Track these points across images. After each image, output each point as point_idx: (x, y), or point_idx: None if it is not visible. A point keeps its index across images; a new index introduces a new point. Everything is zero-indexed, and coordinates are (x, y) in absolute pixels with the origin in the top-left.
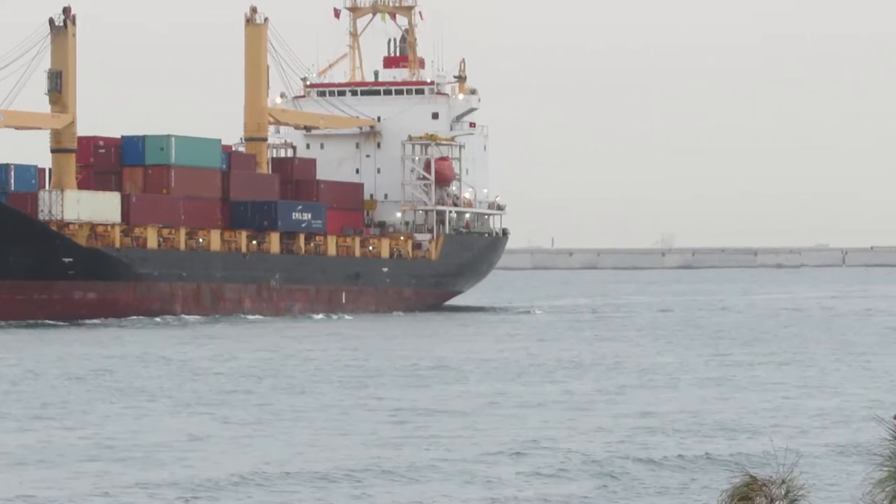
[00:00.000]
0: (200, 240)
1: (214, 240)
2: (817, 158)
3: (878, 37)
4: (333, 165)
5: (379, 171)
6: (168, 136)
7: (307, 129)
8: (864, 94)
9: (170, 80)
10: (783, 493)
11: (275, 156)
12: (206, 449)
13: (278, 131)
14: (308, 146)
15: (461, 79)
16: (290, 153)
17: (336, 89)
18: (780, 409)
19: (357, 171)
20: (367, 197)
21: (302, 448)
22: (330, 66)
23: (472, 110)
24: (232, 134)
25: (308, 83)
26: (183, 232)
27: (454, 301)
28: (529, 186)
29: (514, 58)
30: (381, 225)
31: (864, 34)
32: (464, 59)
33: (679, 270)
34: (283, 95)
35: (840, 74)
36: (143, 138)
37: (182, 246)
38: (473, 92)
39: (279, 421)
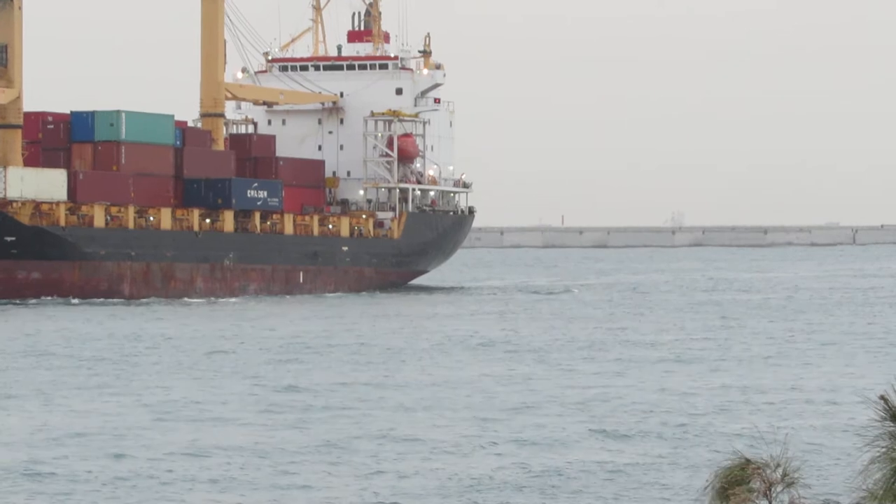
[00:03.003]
0: (151, 218)
1: (165, 218)
2: (827, 134)
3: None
4: (295, 142)
5: (342, 147)
6: (118, 112)
7: (268, 104)
8: (875, 66)
9: (123, 54)
10: (780, 475)
11: (234, 132)
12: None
13: (239, 107)
14: (269, 122)
15: (426, 53)
16: (251, 129)
17: (298, 64)
18: (778, 388)
19: (319, 148)
20: (329, 174)
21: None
22: (293, 40)
23: (437, 86)
24: (191, 110)
25: (270, 58)
26: (132, 210)
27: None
28: (531, 164)
29: (485, 30)
30: (344, 203)
31: (879, 2)
32: (429, 34)
33: (689, 249)
34: (244, 70)
35: (852, 44)
36: (92, 114)
37: (131, 224)
38: (438, 67)
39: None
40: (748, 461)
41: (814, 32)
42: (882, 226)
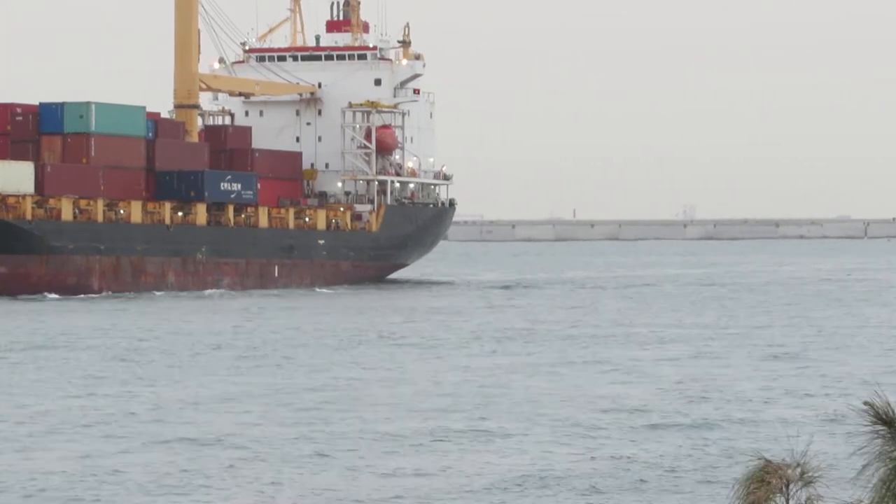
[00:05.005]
0: (121, 211)
1: (136, 211)
2: (839, 127)
3: None
4: (273, 133)
5: (320, 139)
6: (88, 104)
7: (245, 95)
8: (887, 60)
9: (95, 44)
10: (798, 475)
11: (211, 123)
12: None
13: (216, 98)
14: (247, 114)
15: (405, 43)
16: (227, 121)
17: (276, 55)
18: (794, 387)
19: (297, 140)
20: (307, 166)
21: None
22: (270, 30)
23: (416, 76)
24: (166, 101)
25: (247, 48)
26: (101, 203)
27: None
28: (540, 157)
29: (467, 19)
30: (322, 195)
31: None
32: (408, 23)
33: (700, 242)
34: (221, 61)
35: (864, 38)
36: (61, 105)
37: (100, 218)
38: (418, 57)
39: None
40: (769, 462)
41: (824, 26)
42: (894, 219)
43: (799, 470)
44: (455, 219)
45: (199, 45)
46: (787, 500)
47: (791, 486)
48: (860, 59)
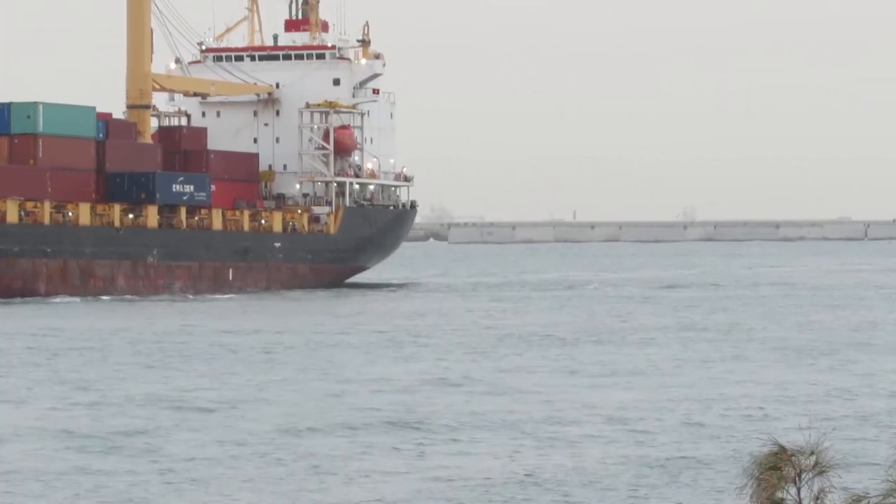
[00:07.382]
0: (69, 213)
1: (84, 213)
2: (839, 128)
3: None
4: (230, 134)
5: (278, 140)
6: (35, 104)
7: (201, 96)
8: (890, 59)
9: (45, 42)
10: (812, 463)
11: (167, 124)
12: None
13: (173, 99)
14: (204, 114)
15: (365, 43)
16: (184, 122)
17: (233, 54)
18: (811, 380)
19: (255, 141)
20: (265, 167)
21: None
22: (227, 30)
23: (376, 76)
24: (119, 102)
25: (204, 48)
26: (48, 205)
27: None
28: (519, 154)
29: (431, 18)
30: (280, 197)
31: None
32: (367, 22)
33: (701, 243)
34: (178, 61)
35: (866, 37)
36: (8, 105)
37: (46, 220)
38: (378, 57)
39: None
40: (783, 448)
41: (826, 25)
42: (894, 220)
43: (813, 458)
44: (456, 220)
45: (153, 45)
46: (799, 490)
47: (804, 475)
48: (862, 60)
